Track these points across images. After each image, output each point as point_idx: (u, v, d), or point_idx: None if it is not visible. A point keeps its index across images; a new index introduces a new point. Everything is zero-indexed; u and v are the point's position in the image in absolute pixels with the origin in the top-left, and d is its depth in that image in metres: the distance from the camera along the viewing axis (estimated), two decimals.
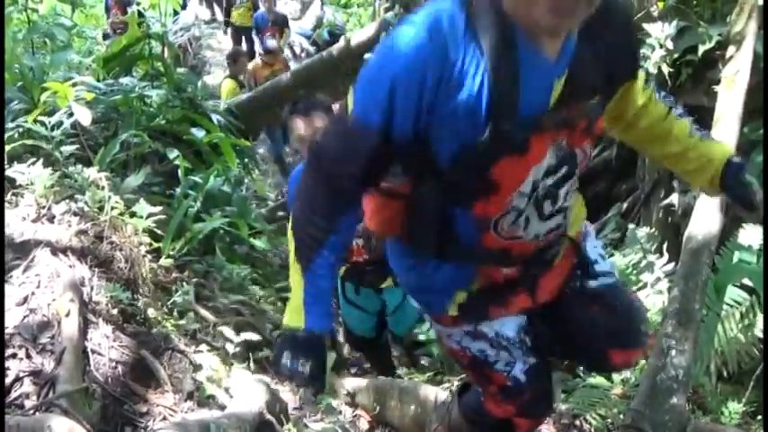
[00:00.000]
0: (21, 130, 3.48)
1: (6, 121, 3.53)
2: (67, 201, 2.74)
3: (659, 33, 3.87)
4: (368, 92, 1.35)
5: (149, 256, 3.03)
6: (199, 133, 4.49)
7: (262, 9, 9.79)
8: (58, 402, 1.83)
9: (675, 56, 4.00)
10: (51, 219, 2.63)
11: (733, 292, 3.59)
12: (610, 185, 5.04)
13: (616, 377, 2.99)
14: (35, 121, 3.41)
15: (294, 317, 1.52)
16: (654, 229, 4.27)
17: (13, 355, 1.97)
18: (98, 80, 4.60)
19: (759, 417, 3.02)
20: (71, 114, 3.43)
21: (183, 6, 11.32)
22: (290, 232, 1.53)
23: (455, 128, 1.31)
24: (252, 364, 2.93)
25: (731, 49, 3.35)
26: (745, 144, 3.59)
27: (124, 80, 4.65)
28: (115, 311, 2.44)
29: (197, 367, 2.46)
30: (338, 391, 3.00)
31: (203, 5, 13.33)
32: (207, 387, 2.38)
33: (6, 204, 2.65)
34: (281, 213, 5.37)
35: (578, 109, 1.39)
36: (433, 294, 1.67)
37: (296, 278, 1.51)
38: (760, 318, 3.45)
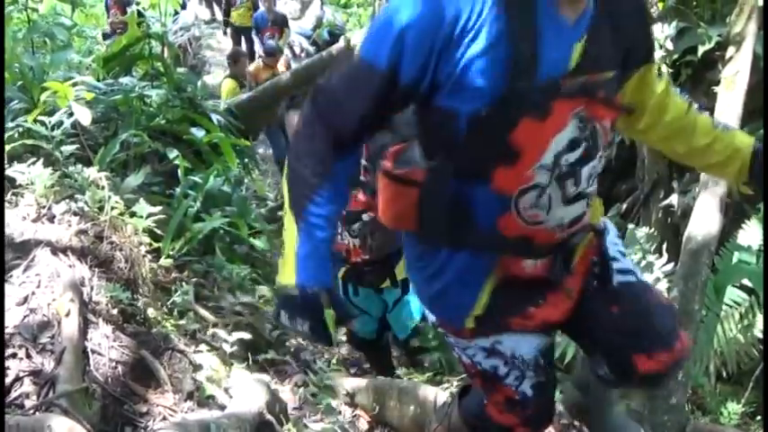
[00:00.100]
0: (21, 129, 3.47)
1: (6, 121, 3.53)
2: (67, 200, 2.74)
3: (659, 34, 3.88)
4: (377, 34, 1.32)
5: (149, 256, 3.03)
6: (199, 133, 4.49)
7: (261, 9, 9.80)
8: (57, 402, 1.83)
9: (675, 56, 4.01)
10: (51, 218, 2.62)
11: (732, 293, 3.60)
12: (609, 186, 5.05)
13: None
14: (35, 120, 3.40)
15: (287, 273, 1.42)
16: (653, 230, 4.28)
17: (13, 355, 1.97)
18: (98, 80, 4.60)
19: (758, 417, 3.03)
20: (71, 114, 3.43)
21: (183, 6, 11.33)
22: (284, 180, 1.45)
23: (471, 83, 1.28)
24: (251, 365, 2.93)
25: (731, 50, 3.35)
26: None
27: (124, 80, 4.65)
28: (115, 311, 2.44)
29: (197, 367, 2.46)
30: (338, 392, 3.00)
31: (203, 5, 13.33)
32: (207, 387, 2.38)
33: (6, 204, 2.65)
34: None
35: (597, 78, 1.38)
36: (450, 300, 1.59)
37: (289, 230, 1.42)
38: (759, 318, 3.45)
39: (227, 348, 2.79)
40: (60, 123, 3.41)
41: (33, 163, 2.82)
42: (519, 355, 1.65)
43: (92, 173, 3.00)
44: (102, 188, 2.88)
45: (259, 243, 4.26)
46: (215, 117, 4.93)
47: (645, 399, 2.57)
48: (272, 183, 7.86)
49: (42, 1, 5.28)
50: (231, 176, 4.60)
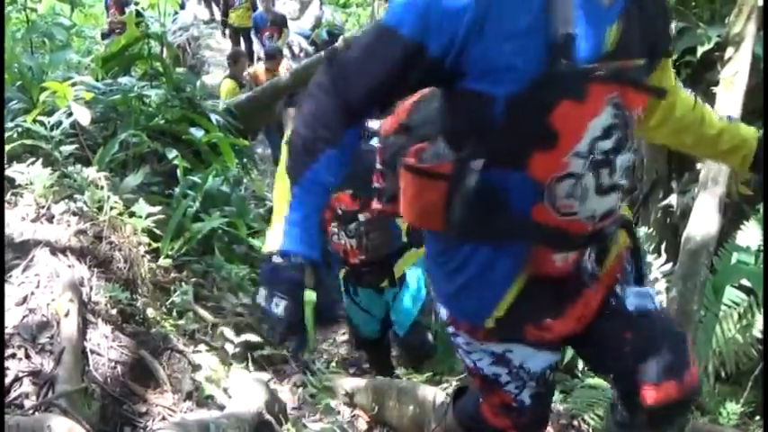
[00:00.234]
0: (20, 129, 3.47)
1: (6, 121, 3.53)
2: (67, 200, 2.74)
3: None
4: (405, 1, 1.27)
5: (148, 256, 3.03)
6: (198, 133, 4.49)
7: (260, 9, 9.80)
8: (57, 402, 1.83)
9: (674, 57, 4.00)
10: (51, 219, 2.62)
11: (731, 293, 3.60)
12: None
13: None
14: (34, 120, 3.40)
15: (273, 239, 1.33)
16: (652, 230, 4.28)
17: (13, 355, 1.97)
18: (97, 80, 4.60)
19: (757, 417, 3.03)
20: (70, 114, 3.42)
21: (182, 6, 11.32)
22: (285, 144, 1.38)
23: (507, 64, 1.25)
24: (251, 364, 2.93)
25: (730, 51, 3.35)
26: None
27: (123, 80, 4.64)
28: (114, 311, 2.44)
29: (196, 367, 2.46)
30: (337, 392, 3.01)
31: (202, 5, 13.33)
32: (206, 387, 2.38)
33: (6, 204, 2.65)
34: None
35: (629, 65, 1.36)
36: (473, 297, 1.53)
37: (281, 194, 1.35)
38: (758, 318, 3.46)
39: (229, 348, 2.79)
40: (59, 123, 3.41)
41: (32, 163, 2.82)
42: (526, 367, 1.63)
43: (91, 173, 3.00)
44: (102, 188, 2.88)
45: (258, 243, 4.25)
46: (214, 117, 4.93)
47: None
48: (271, 182, 7.83)
49: (41, 1, 5.27)
50: (230, 176, 4.60)
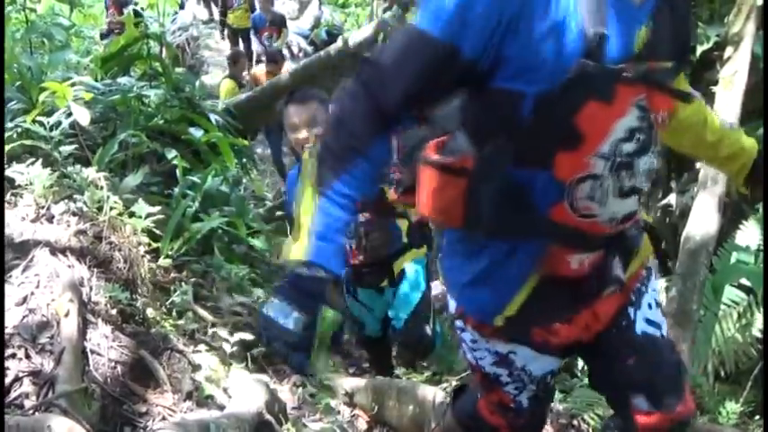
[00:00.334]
0: (19, 130, 3.47)
1: (5, 121, 3.53)
2: (66, 201, 2.74)
3: None
4: (437, 2, 1.26)
5: (148, 256, 3.03)
6: (197, 133, 4.48)
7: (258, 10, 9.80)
8: (57, 402, 1.83)
9: None
10: (50, 219, 2.62)
11: (731, 293, 3.61)
12: None
13: None
14: (34, 121, 3.40)
15: (298, 248, 1.33)
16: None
17: (13, 356, 1.96)
18: (96, 80, 4.59)
19: (757, 417, 3.03)
20: (70, 114, 3.42)
21: (181, 6, 11.33)
22: (314, 159, 1.37)
23: (539, 63, 1.24)
24: (250, 364, 2.93)
25: (729, 50, 3.36)
26: None
27: (122, 80, 4.64)
28: (114, 311, 2.43)
29: (196, 367, 2.46)
30: (336, 391, 3.01)
31: (201, 5, 13.34)
32: (206, 387, 2.38)
33: (6, 204, 2.65)
34: (279, 213, 5.38)
35: (657, 67, 1.36)
36: (485, 291, 1.51)
37: (308, 206, 1.37)
38: (757, 317, 3.46)
39: (229, 348, 2.79)
40: (59, 123, 3.41)
41: (32, 163, 2.82)
42: (528, 370, 1.63)
43: (90, 173, 3.00)
44: (101, 188, 2.88)
45: (257, 243, 4.26)
46: (213, 117, 4.92)
47: None
48: (271, 182, 7.87)
49: (40, 1, 5.28)
50: (229, 176, 4.60)
